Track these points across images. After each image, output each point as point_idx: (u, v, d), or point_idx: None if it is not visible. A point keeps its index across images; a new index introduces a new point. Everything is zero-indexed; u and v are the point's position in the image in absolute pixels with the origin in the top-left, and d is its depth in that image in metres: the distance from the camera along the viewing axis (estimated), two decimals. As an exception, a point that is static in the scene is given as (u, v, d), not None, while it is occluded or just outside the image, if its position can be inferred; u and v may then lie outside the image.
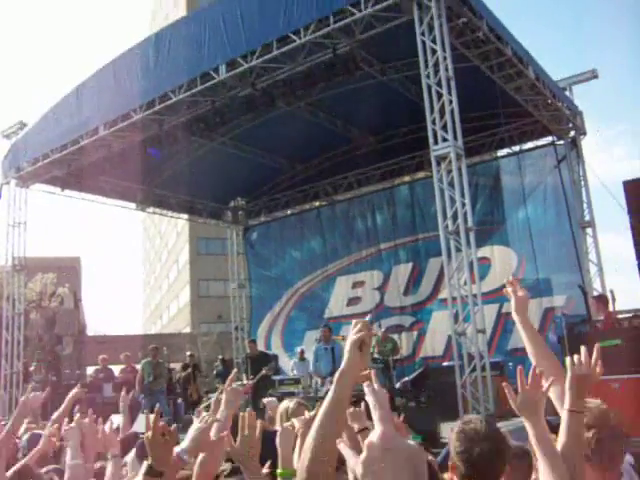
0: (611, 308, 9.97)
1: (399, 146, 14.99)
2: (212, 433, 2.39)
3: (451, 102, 8.98)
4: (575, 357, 2.37)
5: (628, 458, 3.66)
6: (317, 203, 17.94)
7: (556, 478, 2.02)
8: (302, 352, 14.31)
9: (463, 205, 8.94)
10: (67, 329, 31.62)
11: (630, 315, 9.02)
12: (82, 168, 13.78)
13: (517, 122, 13.54)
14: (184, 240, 47.81)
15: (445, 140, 8.96)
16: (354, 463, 1.21)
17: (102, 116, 12.39)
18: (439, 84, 9.08)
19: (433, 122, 9.08)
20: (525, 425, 2.15)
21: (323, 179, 16.87)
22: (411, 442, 1.22)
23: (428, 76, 9.22)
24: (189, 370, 14.26)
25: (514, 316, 2.72)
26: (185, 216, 20.10)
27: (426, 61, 9.26)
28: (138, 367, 13.79)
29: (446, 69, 9.07)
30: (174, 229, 50.97)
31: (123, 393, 4.66)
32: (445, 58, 9.11)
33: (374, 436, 1.19)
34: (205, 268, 41.97)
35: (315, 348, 11.97)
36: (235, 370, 3.54)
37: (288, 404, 4.86)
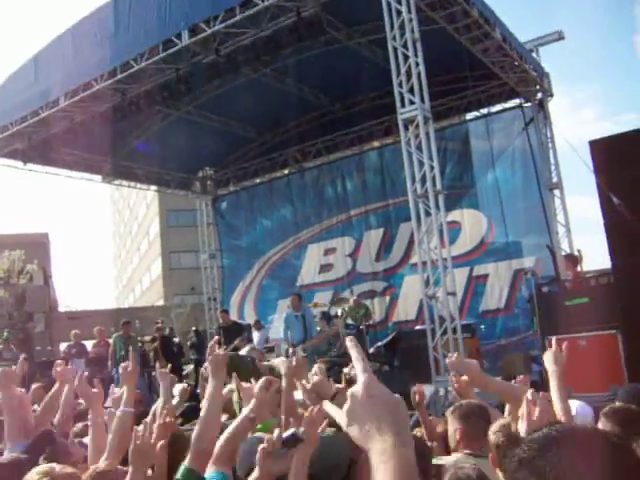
0: (579, 268, 10.14)
1: (367, 111, 14.88)
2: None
3: (418, 64, 8.90)
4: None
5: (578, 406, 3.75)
6: (286, 171, 17.81)
7: None
8: (257, 322, 14.35)
9: (432, 168, 8.93)
10: (38, 306, 31.30)
11: (597, 274, 9.16)
12: (44, 141, 13.44)
13: (485, 85, 13.52)
14: (154, 212, 47.36)
15: (412, 103, 8.89)
16: (339, 416, 1.20)
17: (62, 86, 12.04)
18: (405, 46, 8.98)
19: (400, 85, 9.00)
20: None
21: (292, 146, 16.72)
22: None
23: (394, 38, 9.11)
24: (156, 344, 14.04)
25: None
26: (153, 187, 19.85)
27: (392, 23, 9.14)
28: (111, 341, 13.71)
29: (412, 31, 8.97)
30: (143, 201, 50.43)
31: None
32: (411, 20, 9.00)
33: (357, 386, 1.21)
34: (176, 240, 41.68)
35: (285, 316, 11.96)
36: (216, 338, 3.54)
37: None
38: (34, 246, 39.62)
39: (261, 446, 2.30)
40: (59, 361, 4.83)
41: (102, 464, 3.04)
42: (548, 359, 3.18)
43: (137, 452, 2.56)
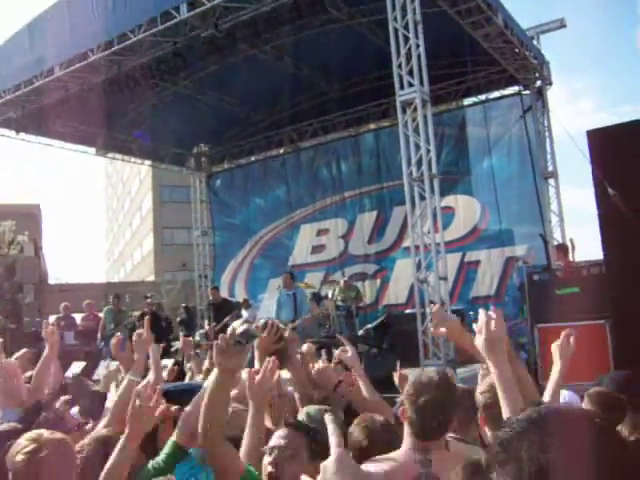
0: (571, 257, 10.15)
1: (365, 93, 14.78)
2: None
3: (418, 46, 8.83)
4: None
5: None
6: (282, 150, 17.72)
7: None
8: (245, 300, 14.34)
9: (428, 152, 8.89)
10: (28, 277, 31.23)
11: (589, 264, 9.17)
12: (38, 110, 13.30)
13: (484, 70, 13.44)
14: (147, 188, 47.13)
15: (411, 85, 8.83)
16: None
17: (57, 55, 11.87)
18: (406, 28, 8.90)
19: (399, 67, 8.93)
20: (488, 364, 2.14)
21: (288, 126, 16.62)
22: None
23: (395, 19, 9.02)
24: (147, 318, 13.96)
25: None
26: (147, 162, 19.73)
27: (393, 3, 9.05)
28: (101, 315, 13.68)
29: (414, 12, 8.89)
30: (137, 176, 50.16)
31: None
32: (413, 1, 8.91)
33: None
34: (169, 216, 41.57)
35: (278, 295, 11.94)
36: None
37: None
38: (25, 217, 39.38)
39: (215, 342, 2.44)
40: (49, 322, 4.83)
41: (103, 430, 3.03)
42: (555, 351, 3.17)
43: (134, 415, 2.58)
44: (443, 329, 2.64)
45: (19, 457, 2.20)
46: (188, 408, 2.87)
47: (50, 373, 4.60)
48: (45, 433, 2.38)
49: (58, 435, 2.43)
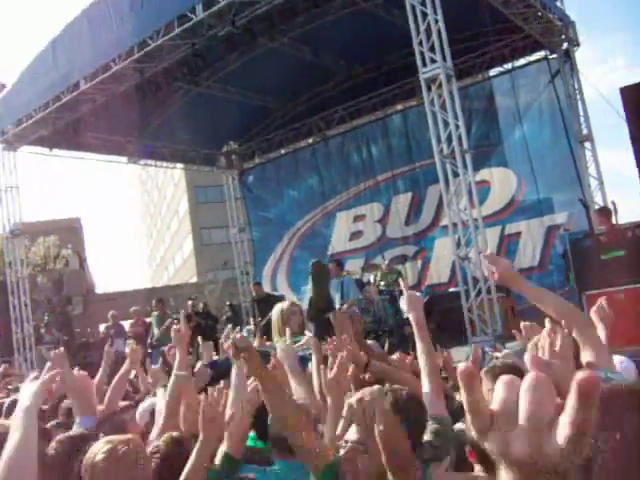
0: (614, 220, 9.90)
1: (389, 74, 14.67)
2: None
3: (437, 21, 8.69)
4: None
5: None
6: (311, 140, 17.69)
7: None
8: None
9: (457, 127, 8.77)
10: (75, 289, 31.89)
11: (633, 225, 8.93)
12: (68, 125, 13.57)
13: (507, 39, 13.16)
14: (182, 190, 47.58)
15: (434, 62, 8.71)
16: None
17: (81, 70, 12.07)
18: (423, 3, 8.77)
19: (420, 44, 8.82)
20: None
21: (314, 115, 16.57)
22: None
23: (411, -4, 8.89)
24: (182, 313, 13.95)
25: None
26: (179, 165, 19.92)
27: (408, -20, 8.91)
28: (148, 320, 13.90)
29: (429, -13, 8.74)
30: (171, 180, 50.68)
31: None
32: (427, -25, 8.76)
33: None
34: (205, 216, 41.89)
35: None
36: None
37: (282, 306, 5.26)
38: (67, 231, 40.23)
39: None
40: (130, 341, 5.16)
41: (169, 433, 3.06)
42: (594, 317, 3.07)
43: (206, 420, 2.60)
44: (495, 272, 2.52)
45: (99, 457, 2.27)
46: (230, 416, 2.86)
47: (125, 386, 4.82)
48: (117, 436, 2.46)
49: (129, 435, 2.52)
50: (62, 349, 4.30)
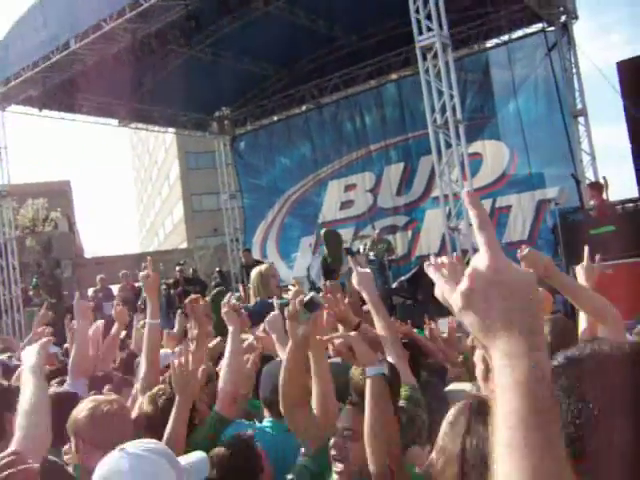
0: (604, 196, 9.92)
1: (384, 42, 14.47)
2: None
3: (435, -12, 8.56)
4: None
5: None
6: (304, 107, 17.54)
7: None
8: None
9: (451, 97, 8.71)
10: (64, 253, 31.80)
11: (623, 201, 8.97)
12: (58, 86, 13.37)
13: (505, 9, 13.01)
14: (173, 156, 47.29)
15: (430, 30, 8.61)
16: (449, 295, 0.96)
17: (71, 28, 11.84)
18: (421, -30, 8.63)
19: (416, 11, 8.71)
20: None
21: (308, 82, 16.40)
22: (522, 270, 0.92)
23: (409, -38, 8.75)
24: (179, 288, 13.93)
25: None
26: (170, 130, 19.74)
27: (407, -55, 8.76)
28: (137, 285, 13.89)
29: (428, -47, 8.60)
30: (162, 145, 50.32)
31: None
32: (426, -59, 8.62)
33: (481, 260, 0.91)
34: (196, 182, 41.72)
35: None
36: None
37: (260, 269, 5.48)
38: (56, 194, 39.97)
39: (286, 310, 2.61)
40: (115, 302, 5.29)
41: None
42: (580, 275, 3.08)
43: (179, 379, 2.76)
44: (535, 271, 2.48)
45: (82, 414, 2.40)
46: (222, 376, 2.99)
47: (116, 346, 5.00)
48: (101, 396, 2.67)
49: (113, 396, 2.71)
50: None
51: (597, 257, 2.96)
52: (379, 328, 3.00)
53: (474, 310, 0.89)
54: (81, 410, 2.42)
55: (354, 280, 3.13)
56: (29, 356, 2.58)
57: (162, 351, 4.18)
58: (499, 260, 0.90)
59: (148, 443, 1.90)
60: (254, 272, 6.04)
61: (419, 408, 2.76)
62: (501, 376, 0.83)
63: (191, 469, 1.91)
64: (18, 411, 2.29)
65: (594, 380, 0.98)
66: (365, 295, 3.08)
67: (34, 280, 17.89)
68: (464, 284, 0.92)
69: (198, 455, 2.07)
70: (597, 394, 0.96)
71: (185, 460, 1.96)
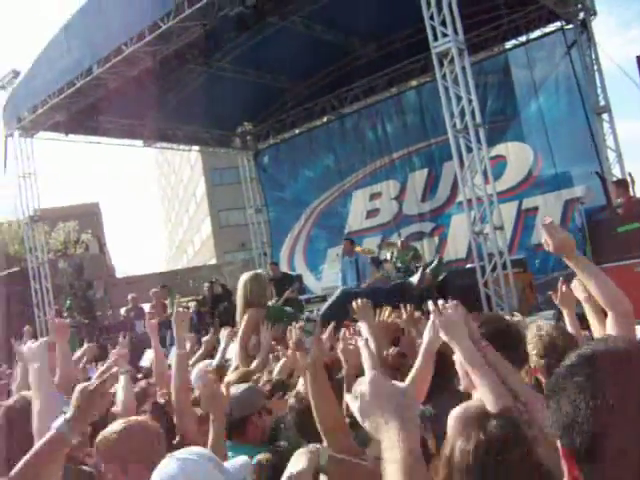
0: (631, 192, 9.77)
1: (402, 50, 14.50)
2: None
3: (448, -6, 8.58)
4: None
5: None
6: (325, 119, 17.62)
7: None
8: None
9: (470, 102, 8.69)
10: (96, 273, 32.25)
11: (651, 197, 8.83)
12: (83, 110, 13.62)
13: (522, 10, 12.96)
14: (198, 173, 47.70)
15: (445, 36, 8.62)
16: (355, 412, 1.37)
17: (93, 54, 12.10)
18: (434, -23, 8.65)
19: (431, 18, 8.73)
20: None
21: (328, 94, 16.48)
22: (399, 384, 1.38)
23: (422, -31, 8.78)
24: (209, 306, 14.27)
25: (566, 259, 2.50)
26: (194, 147, 19.98)
27: (419, -48, 8.80)
28: (167, 302, 14.08)
29: (440, -42, 8.62)
30: (187, 163, 50.81)
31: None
32: (438, -53, 8.64)
33: (363, 385, 1.35)
34: (222, 198, 41.97)
35: (342, 263, 11.96)
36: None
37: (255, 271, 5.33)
38: (86, 216, 40.64)
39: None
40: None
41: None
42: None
43: (208, 399, 2.82)
44: (550, 242, 2.48)
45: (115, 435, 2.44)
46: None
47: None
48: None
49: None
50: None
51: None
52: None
53: (366, 418, 1.32)
54: (114, 432, 2.41)
55: (432, 330, 2.71)
56: (33, 358, 2.63)
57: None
58: (375, 380, 1.35)
59: (194, 449, 1.98)
60: (245, 277, 5.54)
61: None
62: (385, 456, 1.25)
63: (236, 473, 1.96)
64: (33, 417, 2.36)
65: (609, 377, 0.99)
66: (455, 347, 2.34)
67: (67, 302, 18.18)
68: (356, 403, 1.35)
69: (242, 460, 2.11)
70: (612, 392, 0.97)
71: (230, 464, 2.02)
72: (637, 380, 0.98)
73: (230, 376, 4.11)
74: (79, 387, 2.10)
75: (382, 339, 3.64)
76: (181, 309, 3.72)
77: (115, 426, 2.44)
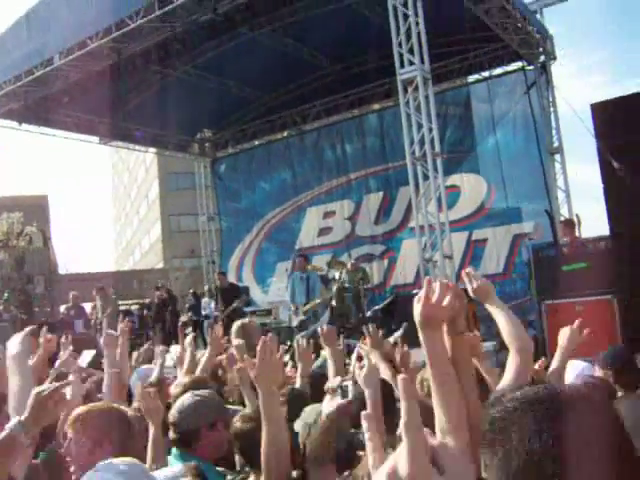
0: (577, 233, 10.08)
1: (368, 73, 14.63)
2: None
3: (418, 24, 8.74)
4: None
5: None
6: (285, 133, 17.64)
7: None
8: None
9: (430, 130, 8.83)
10: (37, 268, 31.44)
11: (595, 239, 9.11)
12: (40, 101, 13.30)
13: (486, 47, 13.30)
14: (153, 175, 47.16)
15: (412, 64, 8.76)
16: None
17: (57, 45, 11.83)
18: (405, 4, 8.81)
19: (399, 45, 8.86)
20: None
21: (291, 108, 16.52)
22: None
23: (394, -4, 8.92)
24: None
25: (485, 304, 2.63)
26: (151, 149, 19.71)
27: (392, -20, 8.93)
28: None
29: (413, -11, 8.78)
30: (142, 164, 50.18)
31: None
32: (411, -23, 8.80)
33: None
34: (175, 203, 41.55)
35: (292, 278, 11.93)
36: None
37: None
38: (33, 208, 39.57)
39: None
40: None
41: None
42: (564, 335, 3.36)
43: (148, 410, 2.96)
44: (469, 288, 2.55)
45: None
46: None
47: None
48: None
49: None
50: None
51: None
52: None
53: None
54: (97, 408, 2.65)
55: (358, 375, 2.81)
56: (13, 345, 2.71)
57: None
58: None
59: (126, 460, 1.98)
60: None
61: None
62: None
63: None
64: (9, 395, 2.45)
65: (559, 421, 0.99)
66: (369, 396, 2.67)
67: (5, 294, 17.61)
68: None
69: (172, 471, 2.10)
70: (563, 434, 0.97)
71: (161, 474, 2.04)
72: (584, 423, 0.99)
73: (183, 379, 4.07)
74: (35, 390, 2.14)
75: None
76: (111, 332, 3.69)
77: (97, 405, 2.67)
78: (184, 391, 3.39)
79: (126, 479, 1.85)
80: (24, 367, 2.60)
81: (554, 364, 3.36)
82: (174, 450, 3.00)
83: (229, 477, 2.86)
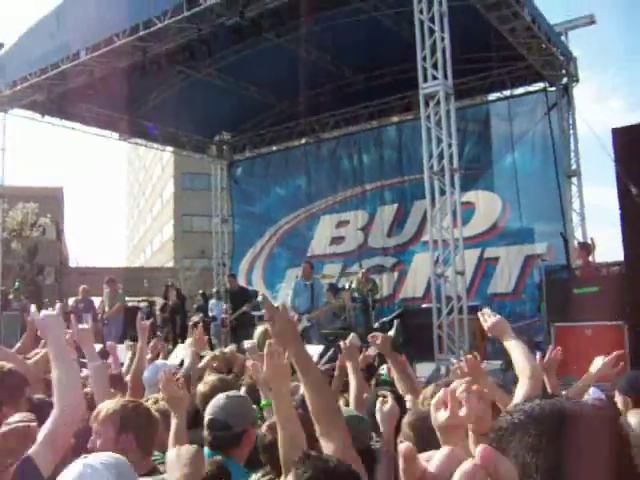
0: (591, 257, 10.05)
1: (389, 85, 14.69)
2: None
3: (443, 39, 8.75)
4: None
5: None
6: (303, 140, 17.70)
7: None
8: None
9: (449, 146, 8.83)
10: (49, 259, 31.60)
11: (609, 264, 9.08)
12: (63, 94, 13.41)
13: (510, 66, 13.30)
14: (169, 175, 47.37)
15: (435, 78, 8.77)
16: None
17: (83, 40, 11.95)
18: (432, 20, 8.82)
19: (424, 59, 8.87)
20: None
21: (310, 116, 16.55)
22: None
23: (421, 11, 8.95)
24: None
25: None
26: (169, 148, 19.84)
27: (420, -5, 8.97)
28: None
29: (440, 4, 8.81)
30: (159, 163, 50.43)
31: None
32: (439, -7, 8.83)
33: None
34: (189, 203, 41.71)
35: (294, 283, 11.95)
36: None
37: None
38: (48, 200, 39.77)
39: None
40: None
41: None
42: (597, 364, 3.62)
43: (173, 399, 3.05)
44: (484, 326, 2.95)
45: None
46: None
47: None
48: None
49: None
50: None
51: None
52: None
53: None
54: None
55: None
56: (49, 326, 2.60)
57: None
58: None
59: (113, 455, 2.00)
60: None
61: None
62: None
63: None
64: (53, 387, 2.43)
65: (560, 437, 0.99)
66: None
67: (16, 283, 17.73)
68: None
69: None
70: (563, 452, 0.97)
71: None
72: (586, 441, 1.00)
73: (209, 377, 4.17)
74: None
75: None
76: (82, 326, 3.60)
77: (119, 400, 2.82)
78: (213, 390, 3.48)
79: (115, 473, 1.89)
80: (65, 350, 2.58)
81: (577, 384, 3.64)
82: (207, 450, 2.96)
83: (254, 476, 2.87)
